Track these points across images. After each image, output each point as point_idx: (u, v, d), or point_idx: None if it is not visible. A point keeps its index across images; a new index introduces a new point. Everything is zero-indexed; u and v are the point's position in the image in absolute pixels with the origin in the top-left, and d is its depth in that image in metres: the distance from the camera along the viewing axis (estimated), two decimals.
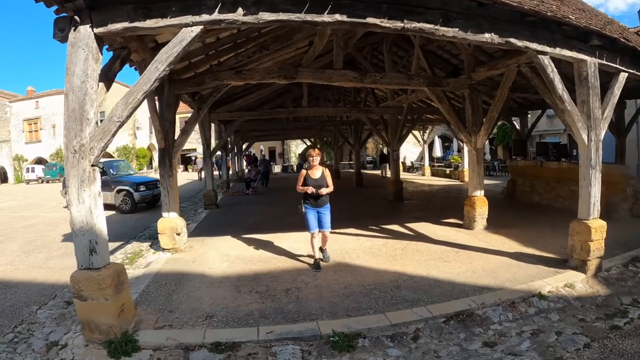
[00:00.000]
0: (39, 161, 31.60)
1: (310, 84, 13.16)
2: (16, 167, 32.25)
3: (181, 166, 38.49)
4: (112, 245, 7.05)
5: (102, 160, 13.29)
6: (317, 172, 4.92)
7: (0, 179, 32.75)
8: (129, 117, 3.26)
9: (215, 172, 20.76)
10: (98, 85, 3.44)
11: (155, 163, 37.86)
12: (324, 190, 4.79)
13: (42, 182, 29.24)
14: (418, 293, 3.93)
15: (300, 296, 3.96)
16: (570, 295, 3.90)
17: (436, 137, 22.79)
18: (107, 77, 3.67)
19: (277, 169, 34.16)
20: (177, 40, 3.18)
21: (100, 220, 3.36)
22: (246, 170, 20.25)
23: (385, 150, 28.18)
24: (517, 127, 12.29)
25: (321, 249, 5.15)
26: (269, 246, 6.03)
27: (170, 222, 5.94)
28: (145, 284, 4.58)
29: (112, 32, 3.19)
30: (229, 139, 15.14)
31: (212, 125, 13.30)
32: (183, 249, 6.04)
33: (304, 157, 35.61)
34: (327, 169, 5.01)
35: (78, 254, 3.32)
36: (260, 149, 34.54)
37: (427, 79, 6.41)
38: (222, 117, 10.99)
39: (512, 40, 3.85)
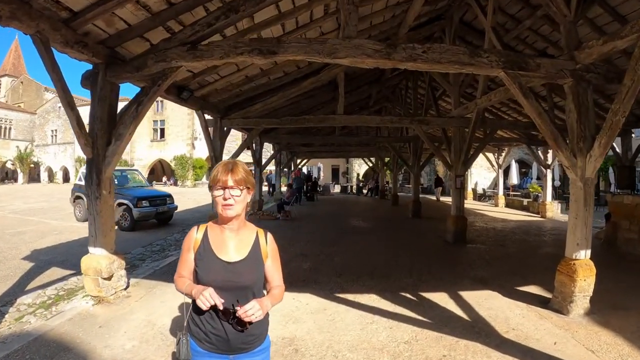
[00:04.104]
0: None
1: (356, 89, 11.21)
2: (77, 168, 35.46)
3: None
4: (60, 274, 5.67)
5: (117, 168, 12.38)
6: (234, 238, 1.72)
7: (62, 178, 36.07)
8: None
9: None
10: None
11: None
12: (254, 312, 1.51)
13: None
14: None
15: None
16: None
17: (513, 162, 19.84)
18: None
19: (337, 188, 32.39)
20: None
21: None
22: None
23: (440, 174, 25.15)
24: (618, 149, 9.43)
25: None
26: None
27: (94, 261, 4.30)
28: None
29: None
30: (260, 151, 13.62)
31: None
32: (111, 300, 4.36)
33: (367, 178, 32.44)
34: (270, 237, 1.86)
35: None
36: (318, 166, 33.02)
37: (503, 56, 4.02)
38: (237, 124, 9.38)
39: None
